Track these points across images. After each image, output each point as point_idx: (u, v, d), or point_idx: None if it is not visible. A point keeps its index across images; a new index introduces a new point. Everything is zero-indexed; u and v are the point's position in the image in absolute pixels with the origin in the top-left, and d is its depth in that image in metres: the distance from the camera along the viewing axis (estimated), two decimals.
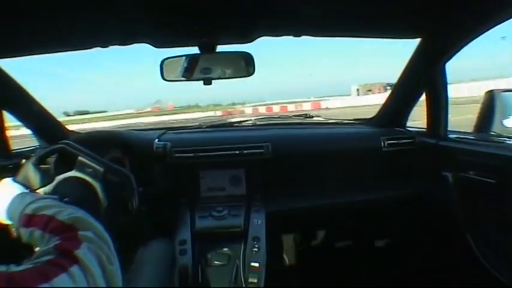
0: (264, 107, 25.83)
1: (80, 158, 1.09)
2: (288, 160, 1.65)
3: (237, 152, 1.59)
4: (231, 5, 1.15)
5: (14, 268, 0.53)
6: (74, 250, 0.60)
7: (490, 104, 1.53)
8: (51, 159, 1.30)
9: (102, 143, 1.30)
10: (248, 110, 24.45)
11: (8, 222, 0.91)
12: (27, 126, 1.58)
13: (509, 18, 1.14)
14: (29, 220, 0.80)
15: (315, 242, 1.80)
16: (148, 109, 39.19)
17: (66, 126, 1.75)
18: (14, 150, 1.55)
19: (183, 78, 1.45)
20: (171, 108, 38.27)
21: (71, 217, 0.72)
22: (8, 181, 1.00)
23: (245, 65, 1.41)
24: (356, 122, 2.03)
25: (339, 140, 1.76)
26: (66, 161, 1.11)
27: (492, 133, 1.50)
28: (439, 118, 1.58)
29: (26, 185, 1.01)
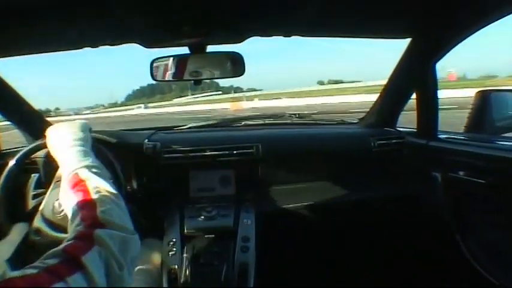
0: None
1: None
2: (278, 160, 1.65)
3: (227, 152, 1.59)
4: (222, 6, 1.15)
5: (10, 273, 0.51)
6: (82, 255, 0.58)
7: (481, 104, 1.53)
8: (40, 158, 1.32)
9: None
10: None
11: (58, 158, 0.89)
12: (15, 124, 1.58)
13: (500, 18, 1.14)
14: (76, 185, 0.77)
15: (304, 242, 1.80)
16: None
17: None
18: (3, 150, 1.55)
19: (173, 79, 1.45)
20: (453, 79, 26.27)
21: (105, 215, 0.69)
22: (78, 125, 0.98)
23: (235, 65, 1.40)
24: (346, 122, 2.03)
25: (329, 140, 1.76)
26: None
27: (483, 133, 1.51)
28: (429, 118, 1.58)
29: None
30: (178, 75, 1.42)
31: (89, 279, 0.56)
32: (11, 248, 1.02)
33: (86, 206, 0.71)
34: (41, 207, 1.12)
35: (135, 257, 0.71)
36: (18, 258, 1.02)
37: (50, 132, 0.97)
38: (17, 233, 1.05)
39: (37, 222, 1.08)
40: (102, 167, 0.86)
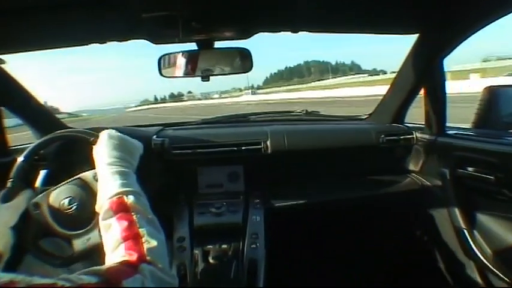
0: None
1: None
2: (286, 156, 1.64)
3: (235, 148, 1.59)
4: (230, 2, 1.15)
5: (38, 280, 0.49)
6: (123, 279, 0.57)
7: (489, 99, 1.53)
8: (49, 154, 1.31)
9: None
10: None
11: (101, 168, 0.86)
12: (26, 122, 1.58)
13: (507, 14, 1.13)
14: (121, 210, 0.74)
15: (314, 239, 1.81)
16: None
17: None
18: (11, 147, 1.55)
19: (181, 75, 1.45)
20: None
21: (152, 255, 0.67)
22: (133, 144, 0.98)
23: (243, 61, 1.40)
24: (355, 117, 2.03)
25: (337, 135, 1.76)
26: (67, 152, 1.10)
27: (491, 129, 1.50)
28: (437, 114, 1.58)
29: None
30: (188, 71, 1.42)
31: None
32: (15, 215, 1.00)
33: (131, 239, 0.69)
34: (49, 194, 1.10)
35: None
36: (22, 226, 1.00)
37: (104, 136, 0.94)
38: (23, 199, 1.03)
39: (40, 199, 1.06)
40: (143, 194, 0.84)
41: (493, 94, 1.53)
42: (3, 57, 1.39)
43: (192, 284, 1.26)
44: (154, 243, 0.69)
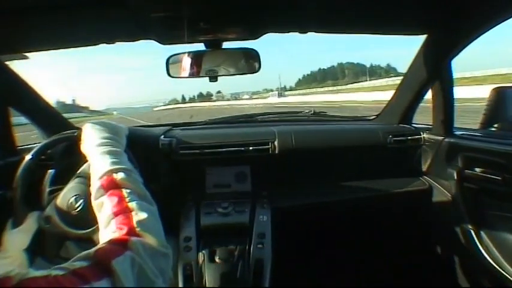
0: None
1: None
2: (294, 156, 1.65)
3: (243, 148, 1.59)
4: (236, 2, 1.14)
5: (33, 272, 0.51)
6: (112, 259, 0.57)
7: (497, 100, 1.52)
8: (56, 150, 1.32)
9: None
10: None
11: (90, 155, 0.88)
12: (33, 122, 1.59)
13: None
14: (111, 188, 0.75)
15: (321, 239, 1.80)
16: None
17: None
18: (19, 146, 1.56)
19: (187, 75, 1.45)
20: None
21: (142, 227, 0.68)
22: (116, 127, 0.99)
23: (251, 62, 1.40)
24: (362, 118, 2.03)
25: (344, 136, 1.76)
26: (74, 152, 1.11)
27: (499, 130, 1.49)
28: (445, 114, 1.57)
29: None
30: (193, 72, 1.41)
31: (116, 285, 0.55)
32: (27, 237, 1.01)
33: (122, 213, 0.70)
34: (56, 199, 1.11)
35: (167, 272, 0.69)
36: (35, 248, 1.01)
37: (86, 127, 0.97)
38: (32, 221, 1.04)
39: (49, 211, 1.07)
40: (135, 171, 0.85)
41: (501, 95, 1.53)
42: None
43: (198, 284, 1.26)
44: (144, 215, 0.70)
